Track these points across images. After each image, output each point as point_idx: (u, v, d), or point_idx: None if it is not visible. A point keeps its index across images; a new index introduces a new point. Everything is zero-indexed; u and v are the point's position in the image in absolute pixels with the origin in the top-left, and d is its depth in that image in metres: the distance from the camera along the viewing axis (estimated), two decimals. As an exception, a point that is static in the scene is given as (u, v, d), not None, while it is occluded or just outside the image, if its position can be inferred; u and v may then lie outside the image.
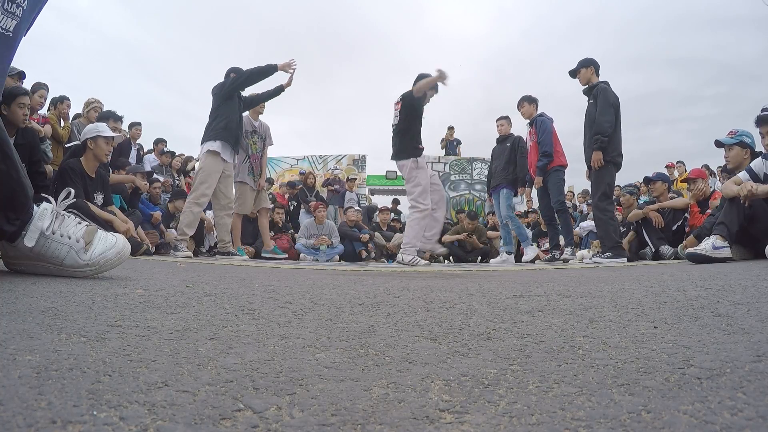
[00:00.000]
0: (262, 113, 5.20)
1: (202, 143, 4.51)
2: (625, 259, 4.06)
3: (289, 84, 4.83)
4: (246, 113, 5.03)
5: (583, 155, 4.63)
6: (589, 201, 7.82)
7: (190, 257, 4.27)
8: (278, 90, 4.89)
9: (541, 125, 5.02)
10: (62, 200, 1.43)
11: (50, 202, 1.40)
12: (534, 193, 5.62)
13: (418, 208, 3.66)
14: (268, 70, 4.49)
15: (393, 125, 3.75)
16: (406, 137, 3.65)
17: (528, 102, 5.22)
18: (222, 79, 4.66)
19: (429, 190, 3.67)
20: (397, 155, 3.71)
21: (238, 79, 4.49)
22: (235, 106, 4.55)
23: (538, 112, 5.21)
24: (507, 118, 5.76)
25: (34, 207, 1.38)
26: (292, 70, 4.61)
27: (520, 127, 5.74)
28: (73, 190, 1.47)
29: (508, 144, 5.57)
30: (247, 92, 4.89)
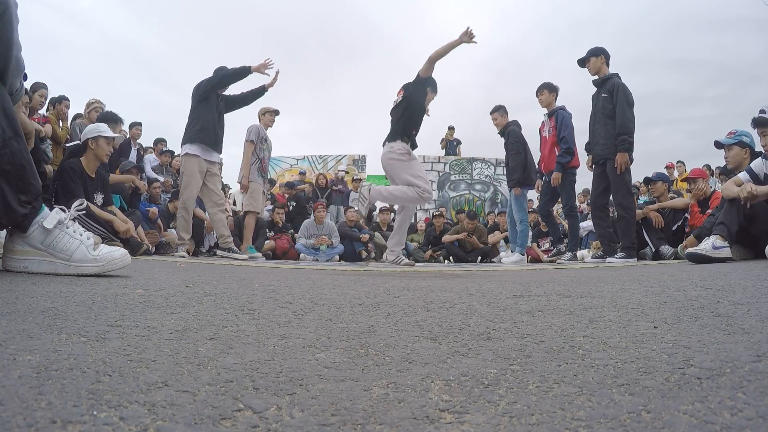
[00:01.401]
0: (271, 126, 5.31)
1: (181, 145, 4.62)
2: (636, 260, 4.00)
3: (272, 84, 4.89)
4: (258, 123, 5.16)
5: (584, 150, 4.58)
6: (589, 201, 7.83)
7: (184, 257, 4.31)
8: (261, 91, 4.95)
9: (563, 120, 4.82)
10: (75, 207, 1.53)
11: (65, 211, 1.49)
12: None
13: (420, 187, 3.26)
14: (241, 72, 4.56)
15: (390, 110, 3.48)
16: (399, 122, 3.37)
17: (549, 90, 4.99)
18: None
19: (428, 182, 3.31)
20: (388, 138, 3.39)
21: (212, 80, 4.55)
22: (212, 106, 4.60)
23: (559, 104, 4.99)
24: (499, 109, 5.39)
25: (47, 209, 1.44)
26: (268, 71, 4.64)
27: (525, 121, 5.56)
28: (86, 201, 1.57)
29: (506, 138, 5.28)
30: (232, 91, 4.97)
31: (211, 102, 4.59)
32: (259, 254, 5.15)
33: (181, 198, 4.61)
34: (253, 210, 5.14)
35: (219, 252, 4.70)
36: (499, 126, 5.39)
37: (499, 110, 5.38)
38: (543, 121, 5.15)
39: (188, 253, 4.73)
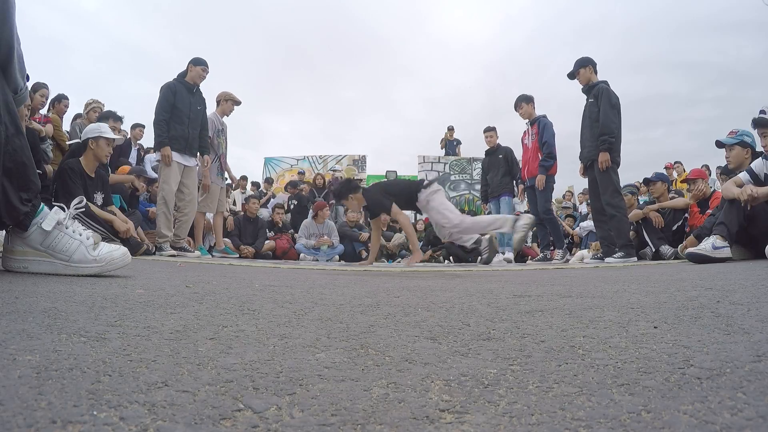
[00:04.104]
0: (228, 115, 5.18)
1: (154, 148, 4.64)
2: (635, 258, 3.99)
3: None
4: (214, 111, 5.02)
5: (578, 158, 4.64)
6: (588, 201, 7.82)
7: (174, 255, 4.26)
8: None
9: (545, 127, 5.09)
10: (74, 205, 1.51)
11: (63, 210, 1.48)
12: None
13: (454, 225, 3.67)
14: (156, 137, 4.45)
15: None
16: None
17: (525, 102, 5.29)
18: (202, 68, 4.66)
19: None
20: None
21: (158, 104, 4.44)
22: (182, 112, 4.48)
23: (539, 113, 5.28)
24: (494, 129, 5.87)
25: (46, 208, 1.43)
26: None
27: (509, 133, 5.94)
28: (85, 199, 1.55)
29: (501, 156, 5.73)
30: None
31: (179, 108, 4.46)
32: (209, 255, 5.00)
33: (160, 194, 4.45)
34: (208, 210, 5.06)
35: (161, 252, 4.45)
36: (492, 144, 5.87)
37: (494, 129, 5.90)
38: (525, 131, 5.42)
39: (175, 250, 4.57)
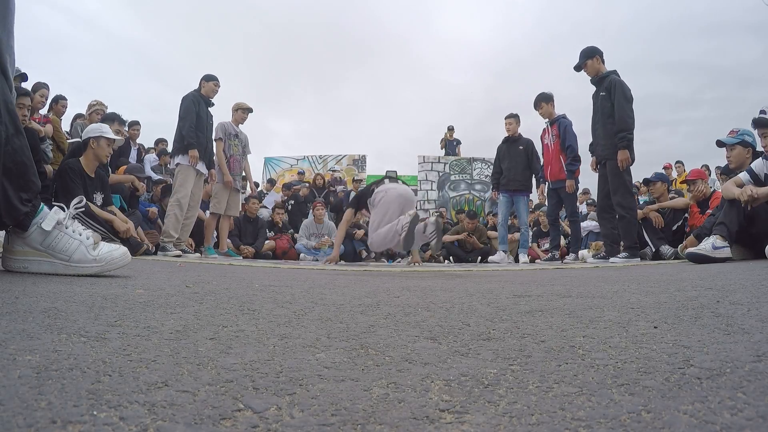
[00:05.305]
0: (242, 123, 5.37)
1: (173, 155, 4.82)
2: (638, 259, 3.94)
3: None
4: (228, 120, 5.25)
5: (588, 150, 4.57)
6: (588, 201, 7.82)
7: (180, 255, 4.27)
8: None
9: (567, 129, 4.93)
10: (74, 205, 1.51)
11: (63, 209, 1.48)
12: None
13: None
14: (186, 142, 4.66)
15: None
16: None
17: (545, 101, 5.09)
18: (213, 80, 4.90)
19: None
20: None
21: (182, 116, 4.72)
22: (201, 122, 4.74)
23: (559, 112, 5.11)
24: (516, 116, 5.55)
25: (46, 208, 1.43)
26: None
27: (527, 127, 5.75)
28: (85, 198, 1.55)
29: (521, 147, 5.40)
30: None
31: (201, 117, 4.73)
32: (216, 255, 5.07)
33: (175, 195, 4.63)
34: (217, 212, 5.14)
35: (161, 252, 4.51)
36: (513, 132, 5.52)
37: (515, 116, 5.56)
38: (544, 129, 5.25)
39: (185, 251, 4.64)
